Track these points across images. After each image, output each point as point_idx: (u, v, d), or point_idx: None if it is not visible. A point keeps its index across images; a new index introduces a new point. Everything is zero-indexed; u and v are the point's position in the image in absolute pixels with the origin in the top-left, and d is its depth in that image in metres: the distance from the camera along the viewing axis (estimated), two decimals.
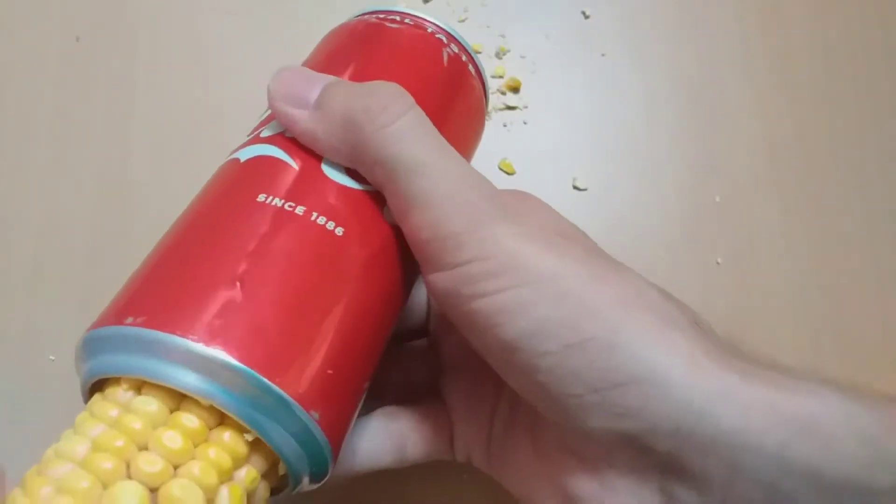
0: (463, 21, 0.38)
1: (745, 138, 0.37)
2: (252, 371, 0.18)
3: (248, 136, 0.24)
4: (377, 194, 0.22)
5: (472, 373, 0.22)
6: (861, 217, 0.36)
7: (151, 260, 0.21)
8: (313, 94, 0.21)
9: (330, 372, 0.19)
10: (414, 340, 0.29)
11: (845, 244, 0.36)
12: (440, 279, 0.20)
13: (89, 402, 0.19)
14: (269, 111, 0.24)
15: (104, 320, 0.19)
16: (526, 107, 0.37)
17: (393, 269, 0.22)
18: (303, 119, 0.21)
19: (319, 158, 0.22)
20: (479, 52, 0.38)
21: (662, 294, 0.21)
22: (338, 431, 0.20)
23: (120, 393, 0.18)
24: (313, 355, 0.19)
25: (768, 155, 0.37)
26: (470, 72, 0.27)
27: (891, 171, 0.37)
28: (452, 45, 0.26)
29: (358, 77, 0.24)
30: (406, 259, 0.22)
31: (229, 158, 0.23)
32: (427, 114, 0.23)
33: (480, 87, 0.28)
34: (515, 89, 0.37)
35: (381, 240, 0.22)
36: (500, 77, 0.37)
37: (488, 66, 0.37)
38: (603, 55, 0.38)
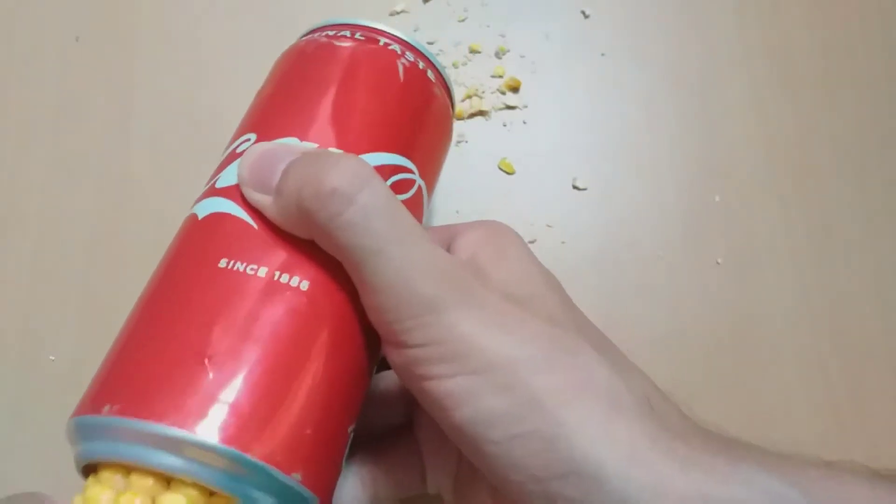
0: (463, 21, 0.38)
1: (745, 138, 0.37)
2: (227, 447, 0.18)
3: (207, 182, 0.24)
4: None
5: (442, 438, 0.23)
6: (861, 217, 0.36)
7: (122, 337, 0.21)
8: (276, 177, 0.21)
9: (308, 431, 0.20)
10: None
11: (845, 244, 0.36)
12: (394, 354, 0.21)
13: (85, 485, 0.20)
14: (227, 154, 0.24)
15: (84, 407, 0.20)
16: (526, 107, 0.37)
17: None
18: (267, 206, 0.21)
19: None
20: (479, 52, 0.38)
21: (614, 369, 0.21)
22: (324, 483, 0.21)
23: (113, 478, 0.19)
24: (288, 419, 0.19)
25: (768, 155, 0.37)
26: (430, 79, 0.26)
27: (891, 171, 0.37)
28: (408, 54, 0.26)
29: (311, 110, 0.23)
30: None
31: (189, 213, 0.23)
32: (389, 132, 0.23)
33: (444, 91, 0.27)
34: (515, 89, 0.37)
35: (349, 285, 0.21)
36: (500, 77, 0.37)
37: (488, 65, 0.37)
38: (603, 55, 0.38)
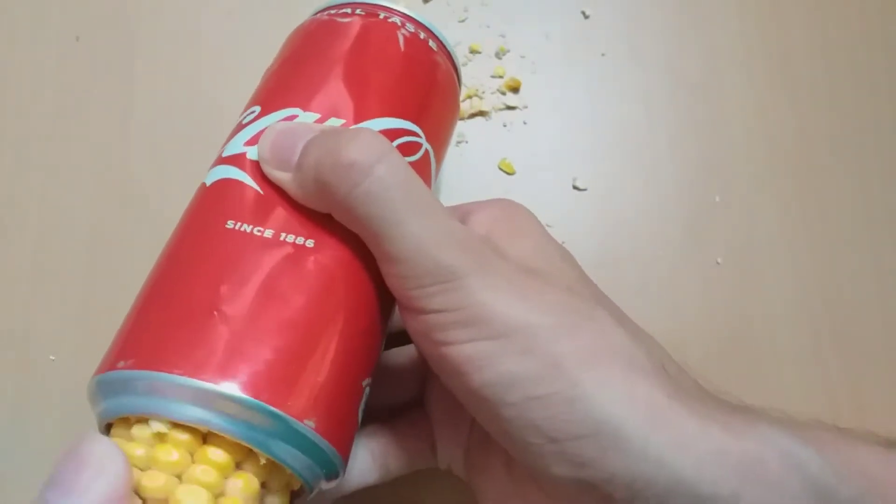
0: (463, 21, 0.38)
1: (745, 138, 0.37)
2: (238, 394, 0.18)
3: (217, 153, 0.24)
4: None
5: (454, 407, 0.23)
6: (861, 217, 0.36)
7: (137, 300, 0.22)
8: (296, 155, 0.21)
9: (320, 380, 0.20)
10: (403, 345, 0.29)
11: (845, 244, 0.36)
12: (412, 320, 0.21)
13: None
14: (236, 125, 0.24)
15: (102, 367, 0.20)
16: (526, 107, 0.37)
17: (374, 266, 0.22)
18: (287, 182, 0.22)
19: None
20: (479, 53, 0.38)
21: (631, 336, 0.21)
22: (340, 433, 0.21)
23: (133, 430, 0.19)
24: (299, 367, 0.20)
25: (768, 155, 0.37)
26: (432, 48, 0.26)
27: (891, 171, 0.37)
28: (409, 25, 0.26)
29: (312, 81, 0.24)
30: None
31: (200, 184, 0.24)
32: (391, 98, 0.24)
33: (447, 61, 0.27)
34: (515, 89, 0.37)
35: (355, 245, 0.22)
36: (500, 77, 0.37)
37: (488, 65, 0.37)
38: (603, 55, 0.38)
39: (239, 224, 0.21)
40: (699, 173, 0.36)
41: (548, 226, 0.35)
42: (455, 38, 0.38)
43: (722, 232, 0.35)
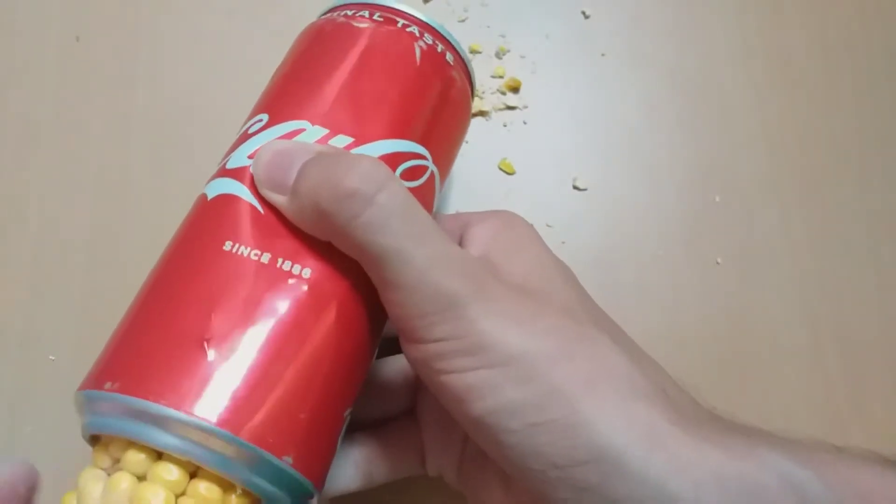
0: (463, 21, 0.38)
1: (745, 138, 0.37)
2: (220, 429, 0.19)
3: (220, 160, 0.24)
4: None
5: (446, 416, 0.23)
6: (861, 217, 0.36)
7: (128, 315, 0.22)
8: (291, 177, 0.21)
9: (302, 416, 0.20)
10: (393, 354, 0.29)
11: (845, 244, 0.36)
12: (413, 350, 0.21)
13: (93, 452, 0.21)
14: (239, 134, 0.24)
15: (89, 382, 0.20)
16: (526, 107, 0.37)
17: (368, 297, 0.22)
18: (283, 206, 0.21)
19: None
20: (479, 53, 0.38)
21: (630, 358, 0.21)
22: (317, 466, 0.21)
23: (112, 452, 0.20)
24: (281, 403, 0.20)
25: (768, 155, 0.37)
26: (448, 62, 0.26)
27: (891, 171, 0.37)
28: (427, 37, 0.25)
29: (324, 94, 0.23)
30: None
31: (200, 192, 0.23)
32: (403, 119, 0.23)
33: (463, 76, 0.27)
34: (515, 89, 0.37)
35: (352, 273, 0.22)
36: (500, 77, 0.37)
37: (488, 65, 0.37)
38: (603, 55, 0.38)
39: (237, 246, 0.21)
40: (699, 173, 0.36)
41: (548, 226, 0.35)
42: (455, 38, 0.38)
43: (722, 232, 0.35)
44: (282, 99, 0.24)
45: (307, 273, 0.21)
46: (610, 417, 0.19)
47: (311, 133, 0.23)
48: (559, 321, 0.21)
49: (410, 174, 0.24)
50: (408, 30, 0.25)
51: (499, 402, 0.20)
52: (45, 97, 0.36)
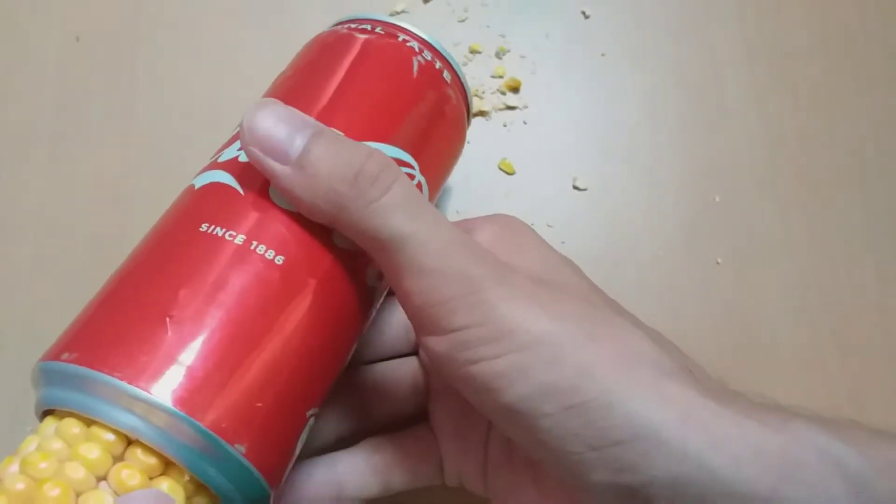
0: (463, 21, 0.38)
1: (746, 138, 0.37)
2: (172, 407, 0.18)
3: (212, 156, 0.24)
4: None
5: (461, 401, 0.23)
6: (861, 217, 0.36)
7: (98, 294, 0.21)
8: (294, 148, 0.21)
9: (259, 405, 0.19)
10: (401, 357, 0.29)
11: (845, 244, 0.36)
12: (434, 343, 0.21)
13: (40, 426, 0.20)
14: (236, 131, 0.24)
15: (48, 353, 0.20)
16: (526, 107, 0.37)
17: (343, 295, 0.22)
18: (284, 176, 0.21)
19: (267, 183, 0.22)
20: (479, 53, 0.38)
21: (655, 342, 0.21)
22: (273, 462, 0.20)
23: (60, 424, 0.19)
24: (239, 388, 0.19)
25: (768, 155, 0.37)
26: (445, 80, 0.26)
27: (891, 171, 0.37)
28: (426, 53, 0.26)
29: (319, 93, 0.23)
30: (359, 285, 0.22)
31: (189, 184, 0.23)
32: (393, 124, 0.24)
33: (459, 95, 0.27)
34: (515, 89, 0.37)
35: (327, 266, 0.21)
36: (500, 77, 0.37)
37: (488, 66, 0.37)
38: (603, 55, 0.38)
39: (212, 227, 0.21)
40: (699, 173, 0.36)
41: (548, 226, 0.35)
42: (455, 38, 0.38)
43: (722, 232, 0.35)
44: (282, 98, 0.24)
45: (280, 260, 0.21)
46: (644, 396, 0.19)
47: None
48: (579, 305, 0.21)
49: None
50: (408, 44, 0.25)
51: (532, 386, 0.19)
52: (45, 97, 0.36)
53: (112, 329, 0.19)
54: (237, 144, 0.23)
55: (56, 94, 0.36)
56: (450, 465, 0.26)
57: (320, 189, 0.20)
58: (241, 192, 0.22)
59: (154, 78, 0.37)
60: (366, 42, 0.25)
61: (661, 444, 0.18)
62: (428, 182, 0.25)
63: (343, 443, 0.26)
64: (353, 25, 0.26)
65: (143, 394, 0.18)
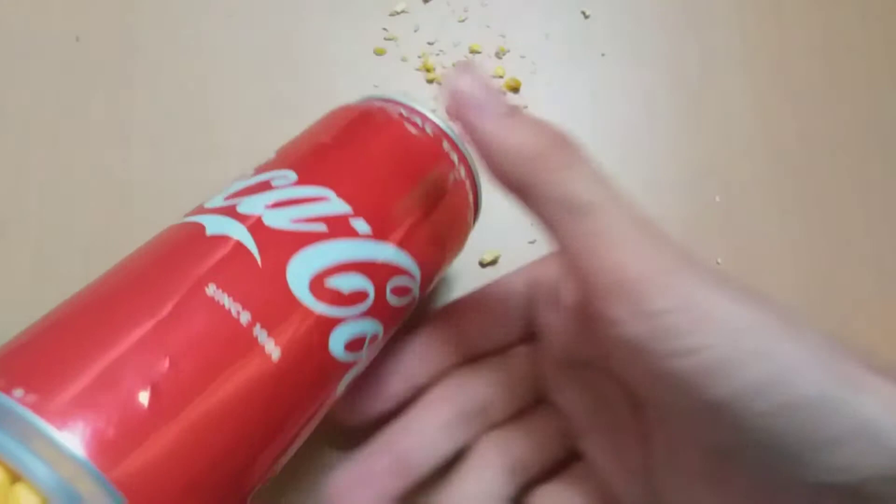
0: (463, 21, 0.38)
1: (745, 138, 0.37)
2: (77, 454, 0.16)
3: (225, 198, 0.22)
4: (329, 321, 0.21)
5: (613, 431, 0.22)
6: (861, 217, 0.36)
7: (61, 305, 0.20)
8: (503, 108, 0.22)
9: (181, 483, 0.17)
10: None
11: (845, 244, 0.36)
12: (634, 325, 0.19)
13: None
14: (258, 177, 0.23)
15: None
16: (526, 107, 0.37)
17: (315, 398, 0.21)
18: (492, 128, 0.21)
19: (286, 259, 0.21)
20: (479, 52, 0.38)
21: (825, 333, 0.20)
22: None
23: None
24: (166, 460, 0.17)
25: (768, 155, 0.37)
26: (469, 203, 0.27)
27: (891, 171, 0.37)
28: (462, 169, 0.27)
29: (354, 177, 0.24)
30: (332, 391, 0.22)
31: (192, 220, 0.22)
32: (416, 234, 0.24)
33: (472, 207, 0.28)
34: (515, 89, 0.37)
35: (320, 370, 0.21)
36: (501, 77, 0.37)
37: (489, 66, 0.37)
38: (603, 55, 0.38)
39: (220, 293, 0.19)
40: (699, 173, 0.36)
41: None
42: (455, 38, 0.38)
43: (722, 232, 0.35)
44: (313, 163, 0.24)
45: (276, 355, 0.19)
46: (852, 390, 0.18)
47: (333, 204, 0.22)
48: (757, 298, 0.20)
49: (399, 291, 0.24)
50: (451, 156, 0.26)
51: (741, 381, 0.18)
52: (45, 97, 0.36)
53: (60, 351, 0.18)
54: (262, 199, 0.22)
55: (56, 95, 0.36)
56: (599, 472, 0.25)
57: (527, 144, 0.21)
58: (258, 259, 0.20)
59: (154, 78, 0.37)
60: (416, 140, 0.26)
61: (879, 437, 0.17)
62: (420, 294, 0.26)
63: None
64: (404, 111, 0.26)
65: (50, 431, 0.16)
